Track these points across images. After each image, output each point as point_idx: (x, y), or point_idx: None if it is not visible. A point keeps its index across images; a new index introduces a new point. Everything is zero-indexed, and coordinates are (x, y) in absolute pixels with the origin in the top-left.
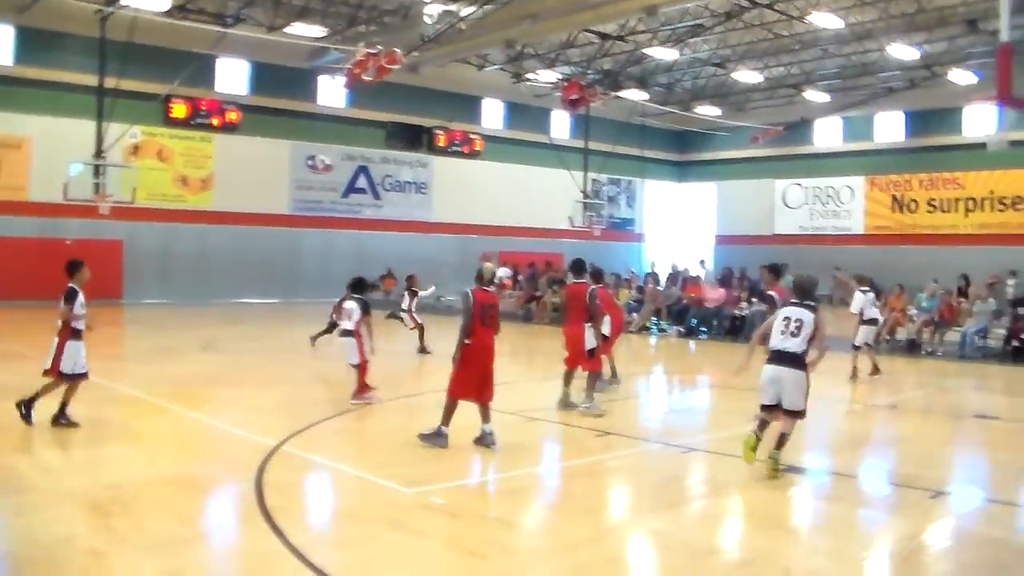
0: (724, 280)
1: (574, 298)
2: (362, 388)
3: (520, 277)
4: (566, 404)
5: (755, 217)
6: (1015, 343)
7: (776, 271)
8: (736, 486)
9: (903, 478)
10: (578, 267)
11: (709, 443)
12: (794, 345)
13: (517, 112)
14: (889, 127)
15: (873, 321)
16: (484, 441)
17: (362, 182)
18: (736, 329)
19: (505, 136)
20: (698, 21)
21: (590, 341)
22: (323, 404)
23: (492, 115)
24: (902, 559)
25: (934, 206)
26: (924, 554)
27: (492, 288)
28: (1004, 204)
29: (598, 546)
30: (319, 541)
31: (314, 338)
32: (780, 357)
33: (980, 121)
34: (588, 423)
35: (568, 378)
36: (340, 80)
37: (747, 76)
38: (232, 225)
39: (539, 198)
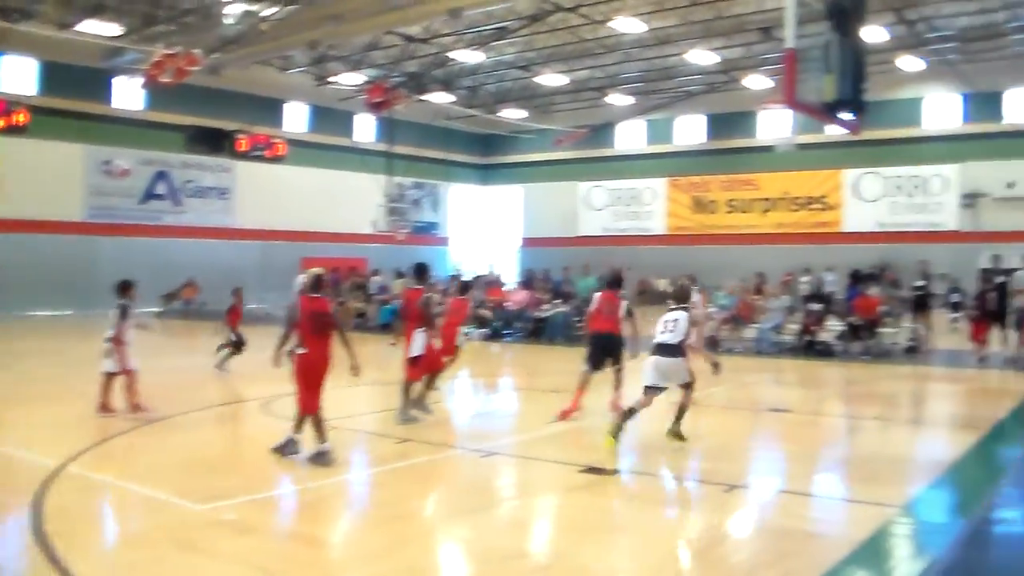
0: (527, 282)
1: (408, 304)
2: (134, 398)
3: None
4: (421, 405)
5: (560, 219)
6: (808, 338)
7: (618, 283)
8: (539, 489)
9: (702, 473)
10: (419, 272)
11: (513, 447)
12: (671, 338)
13: (321, 115)
14: (689, 130)
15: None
16: (286, 450)
17: (162, 187)
18: (539, 331)
19: (309, 140)
20: (503, 24)
21: (415, 348)
22: (113, 420)
23: (295, 118)
24: (699, 553)
25: (733, 206)
26: (720, 546)
27: (323, 294)
28: (797, 204)
29: (400, 555)
30: (102, 568)
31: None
32: (662, 349)
33: (774, 125)
34: (391, 430)
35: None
36: (137, 81)
37: (551, 79)
38: (21, 233)
39: (343, 203)
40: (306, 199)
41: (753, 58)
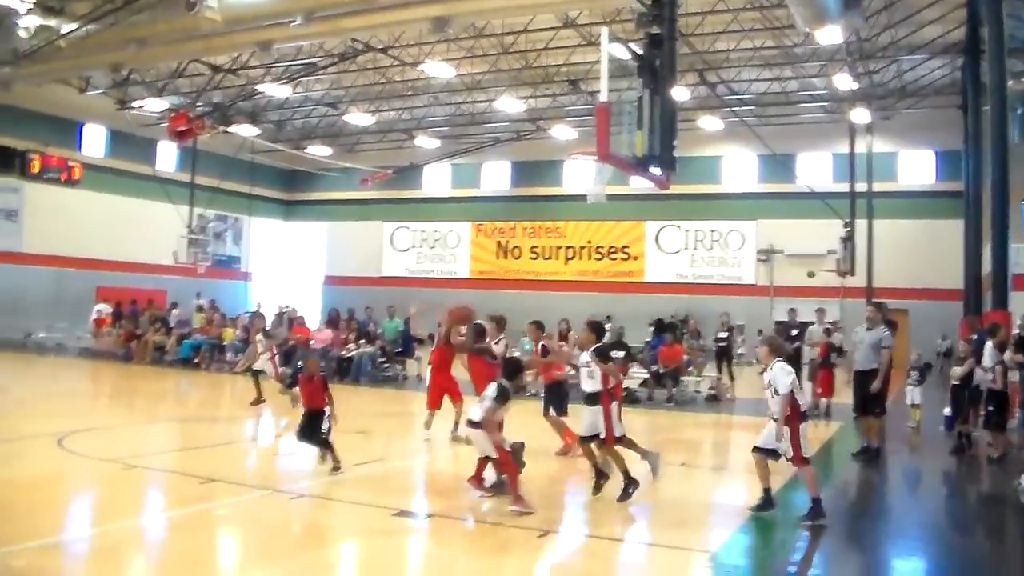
0: (331, 321)
1: None
2: None
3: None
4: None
5: (363, 258)
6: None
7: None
8: (346, 532)
9: (515, 518)
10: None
11: (321, 488)
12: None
13: (121, 140)
14: (495, 176)
15: None
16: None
17: None
18: (343, 370)
19: (107, 165)
20: (312, 60)
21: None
22: None
23: (93, 142)
24: None
25: (536, 253)
26: None
27: None
28: (601, 253)
29: None
30: None
31: None
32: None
33: (579, 174)
34: (193, 469)
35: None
36: None
37: (359, 118)
38: None
39: (142, 232)
40: (103, 226)
41: (559, 108)
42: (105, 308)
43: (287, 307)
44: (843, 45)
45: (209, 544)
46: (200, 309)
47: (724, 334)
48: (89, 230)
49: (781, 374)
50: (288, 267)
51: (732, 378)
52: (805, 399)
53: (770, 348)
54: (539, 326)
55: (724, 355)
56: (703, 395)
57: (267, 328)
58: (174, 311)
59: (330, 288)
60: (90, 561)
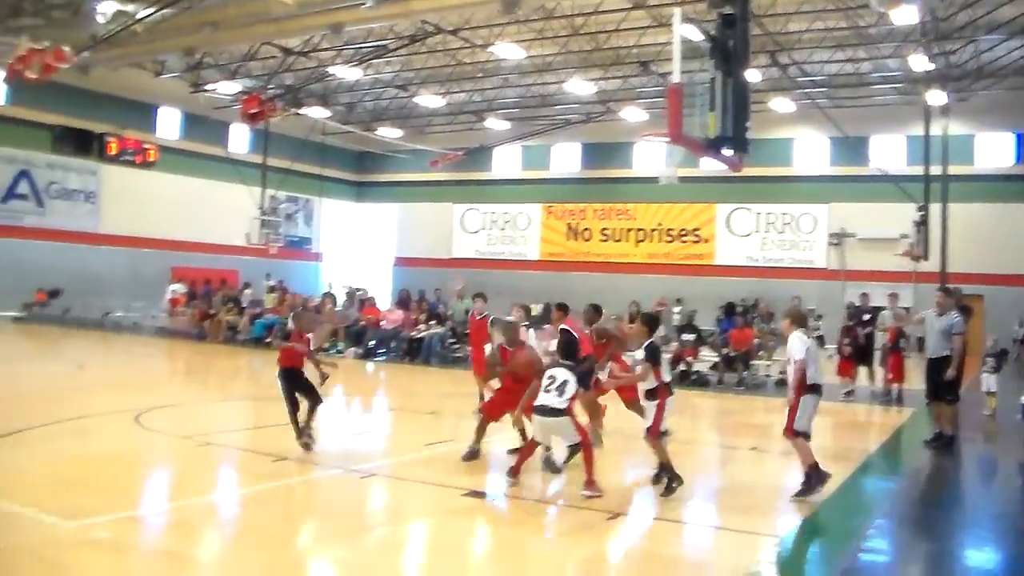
0: (402, 302)
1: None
2: None
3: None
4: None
5: (434, 240)
6: (681, 367)
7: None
8: (417, 512)
9: (584, 500)
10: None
11: (392, 468)
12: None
13: (194, 123)
14: (565, 158)
15: None
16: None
17: (24, 187)
18: (414, 351)
19: (181, 147)
20: (383, 42)
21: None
22: None
23: (168, 124)
24: None
25: (607, 235)
26: (602, 574)
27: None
28: (671, 236)
29: None
30: None
31: None
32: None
33: (649, 157)
34: (265, 447)
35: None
36: None
37: (429, 100)
38: None
39: (215, 213)
40: (177, 207)
41: (630, 90)
42: (179, 288)
43: (349, 285)
44: (918, 25)
45: (281, 521)
46: (271, 290)
47: None
48: (164, 211)
49: (796, 343)
50: (359, 248)
51: None
52: (818, 374)
53: (791, 319)
54: (563, 308)
55: None
56: (773, 379)
57: (295, 310)
58: (246, 291)
59: (400, 269)
60: (167, 534)
